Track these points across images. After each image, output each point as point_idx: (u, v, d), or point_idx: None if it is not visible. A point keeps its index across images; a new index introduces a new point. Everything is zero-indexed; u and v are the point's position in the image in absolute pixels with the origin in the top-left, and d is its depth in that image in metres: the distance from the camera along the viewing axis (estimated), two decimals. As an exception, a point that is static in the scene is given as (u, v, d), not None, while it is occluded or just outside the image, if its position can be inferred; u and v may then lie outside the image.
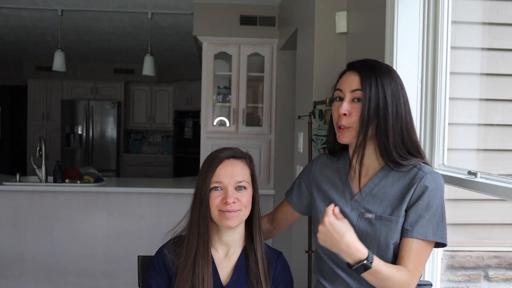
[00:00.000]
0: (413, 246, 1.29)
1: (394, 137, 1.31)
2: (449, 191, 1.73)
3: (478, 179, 1.44)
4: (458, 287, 1.90)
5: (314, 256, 1.54)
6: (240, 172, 1.41)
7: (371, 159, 1.37)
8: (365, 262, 1.22)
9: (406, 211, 1.31)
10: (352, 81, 1.34)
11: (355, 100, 1.33)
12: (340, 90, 1.36)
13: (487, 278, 1.90)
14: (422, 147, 1.74)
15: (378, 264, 1.25)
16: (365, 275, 1.25)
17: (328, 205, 1.38)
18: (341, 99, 1.36)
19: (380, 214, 1.33)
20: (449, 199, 1.75)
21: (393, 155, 1.31)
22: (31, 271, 4.04)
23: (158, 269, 1.43)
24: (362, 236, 1.31)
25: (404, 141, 1.33)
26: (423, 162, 1.35)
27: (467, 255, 1.90)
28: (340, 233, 1.23)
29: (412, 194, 1.30)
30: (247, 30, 4.22)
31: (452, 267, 1.90)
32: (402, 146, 1.33)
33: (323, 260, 1.44)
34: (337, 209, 1.27)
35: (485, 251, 1.90)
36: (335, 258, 1.38)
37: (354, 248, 1.23)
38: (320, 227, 1.26)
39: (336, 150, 1.49)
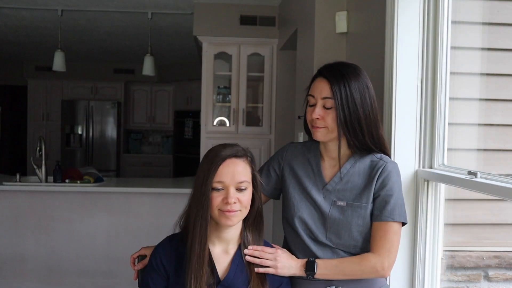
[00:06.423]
0: (384, 229, 1.42)
1: (367, 132, 1.45)
2: (449, 191, 1.74)
3: (478, 179, 1.44)
4: (458, 287, 1.90)
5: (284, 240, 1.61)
6: (242, 172, 1.40)
7: (342, 152, 1.49)
8: (310, 259, 1.42)
9: (373, 197, 1.44)
10: (322, 89, 1.45)
11: (326, 106, 1.43)
12: (313, 96, 1.47)
13: (487, 278, 1.90)
14: (421, 146, 1.76)
15: (324, 259, 1.43)
16: (323, 271, 1.41)
17: (301, 192, 1.53)
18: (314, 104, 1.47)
19: (351, 201, 1.46)
20: (449, 199, 1.75)
21: (367, 143, 1.45)
22: (31, 271, 4.04)
23: (155, 267, 1.43)
24: (335, 223, 1.45)
25: (374, 138, 1.46)
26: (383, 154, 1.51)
27: (467, 255, 1.90)
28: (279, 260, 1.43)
29: (376, 181, 1.44)
30: (247, 30, 4.22)
31: (452, 267, 1.90)
32: (373, 142, 1.47)
33: (299, 238, 1.51)
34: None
35: (485, 251, 1.90)
36: (311, 235, 1.49)
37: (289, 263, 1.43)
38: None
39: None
